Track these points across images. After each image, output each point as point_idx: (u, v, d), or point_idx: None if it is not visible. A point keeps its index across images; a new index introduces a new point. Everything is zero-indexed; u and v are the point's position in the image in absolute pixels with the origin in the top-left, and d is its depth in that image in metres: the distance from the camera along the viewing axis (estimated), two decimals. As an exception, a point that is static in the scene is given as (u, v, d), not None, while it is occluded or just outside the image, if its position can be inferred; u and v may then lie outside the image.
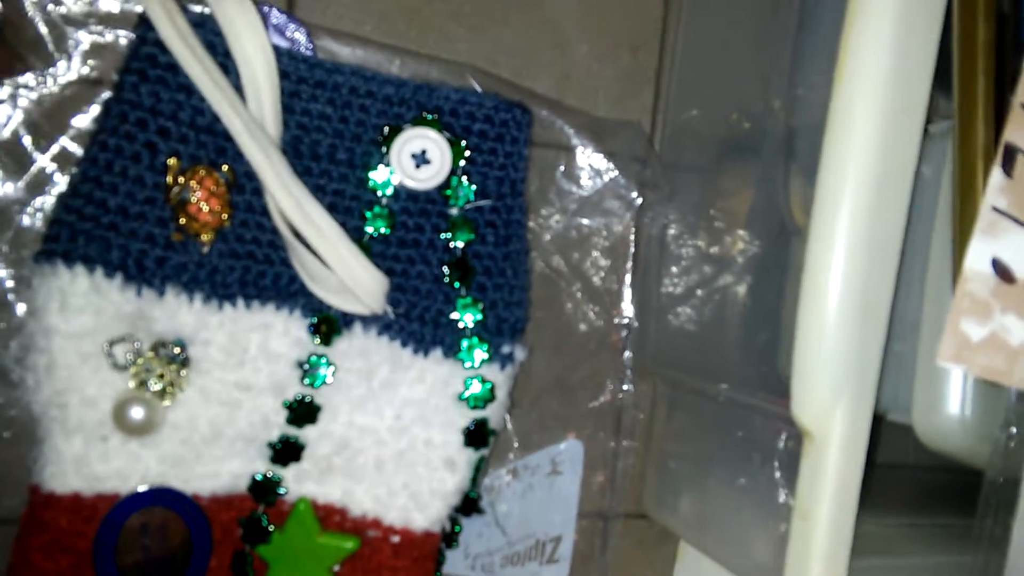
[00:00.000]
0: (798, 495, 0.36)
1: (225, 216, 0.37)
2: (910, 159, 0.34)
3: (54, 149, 0.40)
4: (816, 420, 0.35)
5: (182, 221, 0.37)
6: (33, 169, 0.40)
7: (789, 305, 0.40)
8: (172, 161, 0.36)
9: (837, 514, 0.36)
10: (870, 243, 0.34)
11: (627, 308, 0.48)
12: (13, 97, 0.40)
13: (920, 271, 0.41)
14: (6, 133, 0.40)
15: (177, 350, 0.38)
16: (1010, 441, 0.36)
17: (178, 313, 0.37)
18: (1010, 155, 0.29)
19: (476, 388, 0.41)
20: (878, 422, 0.37)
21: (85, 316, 0.36)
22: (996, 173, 0.29)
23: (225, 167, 0.37)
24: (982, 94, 0.32)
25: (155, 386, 0.37)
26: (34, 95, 0.39)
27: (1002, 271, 0.30)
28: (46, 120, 0.40)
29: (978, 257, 0.30)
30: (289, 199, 0.36)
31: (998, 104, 0.32)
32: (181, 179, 0.36)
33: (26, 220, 0.40)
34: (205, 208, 0.37)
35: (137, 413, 0.37)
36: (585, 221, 0.47)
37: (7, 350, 0.39)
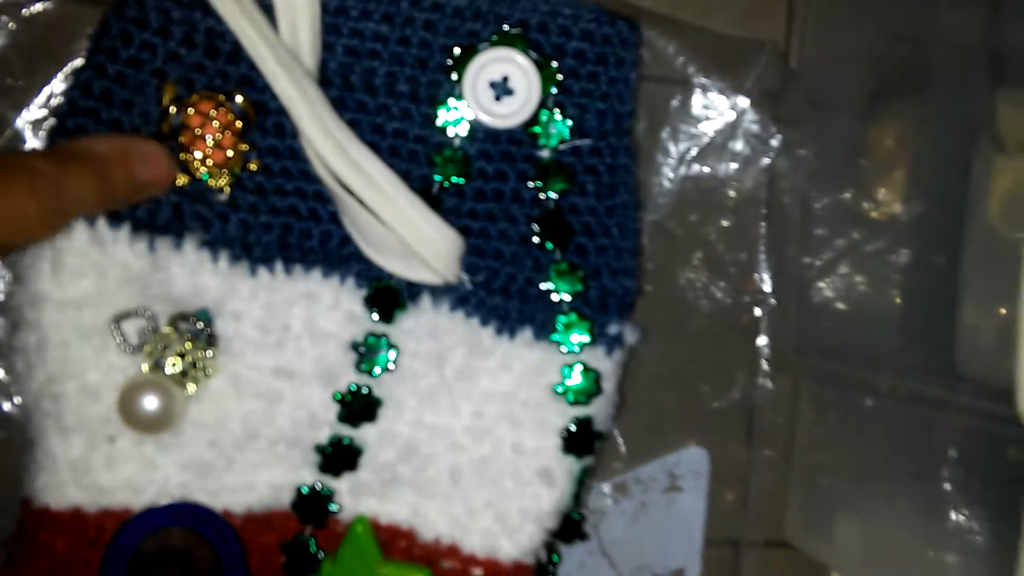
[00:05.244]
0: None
1: (232, 155, 0.34)
2: None
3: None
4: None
5: (182, 157, 0.33)
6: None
7: (971, 271, 0.37)
8: (168, 85, 0.33)
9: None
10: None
11: (761, 281, 0.44)
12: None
13: None
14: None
15: (201, 324, 0.34)
16: None
17: (200, 276, 0.34)
18: None
19: (577, 378, 0.36)
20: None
21: (85, 279, 0.33)
22: None
23: (240, 98, 0.34)
24: None
25: (174, 368, 0.33)
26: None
27: None
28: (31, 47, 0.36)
29: None
30: (329, 142, 0.33)
31: None
32: (173, 108, 0.33)
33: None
34: (210, 142, 0.33)
35: (151, 403, 0.33)
36: (706, 170, 0.43)
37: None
